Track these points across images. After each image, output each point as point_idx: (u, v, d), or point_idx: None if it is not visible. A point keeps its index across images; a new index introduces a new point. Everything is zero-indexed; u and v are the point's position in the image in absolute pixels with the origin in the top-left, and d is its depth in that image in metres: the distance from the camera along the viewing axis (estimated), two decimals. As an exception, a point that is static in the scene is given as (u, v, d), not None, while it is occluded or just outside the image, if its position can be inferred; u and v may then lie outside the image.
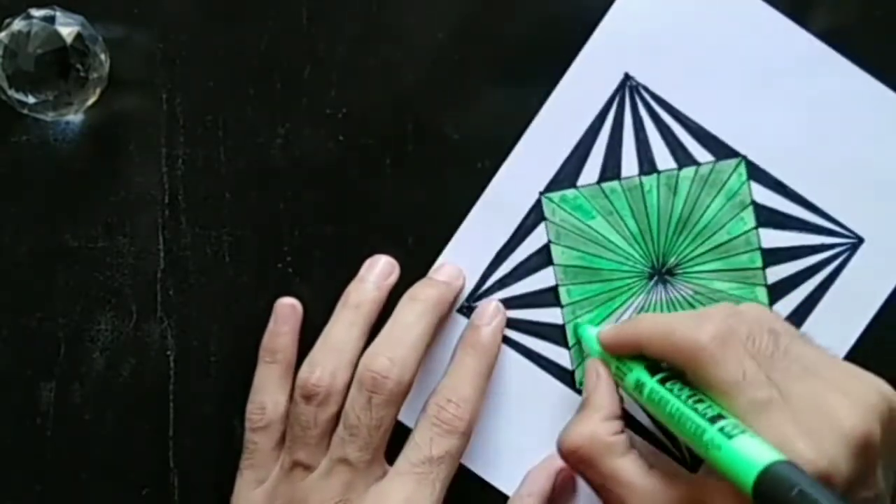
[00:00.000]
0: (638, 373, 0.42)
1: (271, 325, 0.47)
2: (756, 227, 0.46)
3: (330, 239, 0.48)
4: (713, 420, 0.37)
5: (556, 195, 0.47)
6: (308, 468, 0.44)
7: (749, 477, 0.35)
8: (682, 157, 0.47)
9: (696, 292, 0.47)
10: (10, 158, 0.48)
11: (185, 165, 0.48)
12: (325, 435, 0.44)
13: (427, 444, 0.43)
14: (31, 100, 0.46)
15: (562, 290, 0.47)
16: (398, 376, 0.43)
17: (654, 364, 0.42)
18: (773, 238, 0.46)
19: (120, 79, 0.48)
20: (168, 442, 0.49)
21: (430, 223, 0.48)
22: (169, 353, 0.48)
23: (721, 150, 0.46)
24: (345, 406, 0.44)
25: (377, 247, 0.47)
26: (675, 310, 0.47)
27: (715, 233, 0.47)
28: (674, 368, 0.41)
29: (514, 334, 0.47)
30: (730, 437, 0.36)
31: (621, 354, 0.43)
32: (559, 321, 0.47)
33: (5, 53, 0.45)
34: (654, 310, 0.47)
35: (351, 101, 0.47)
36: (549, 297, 0.47)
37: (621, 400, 0.43)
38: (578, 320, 0.47)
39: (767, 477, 0.34)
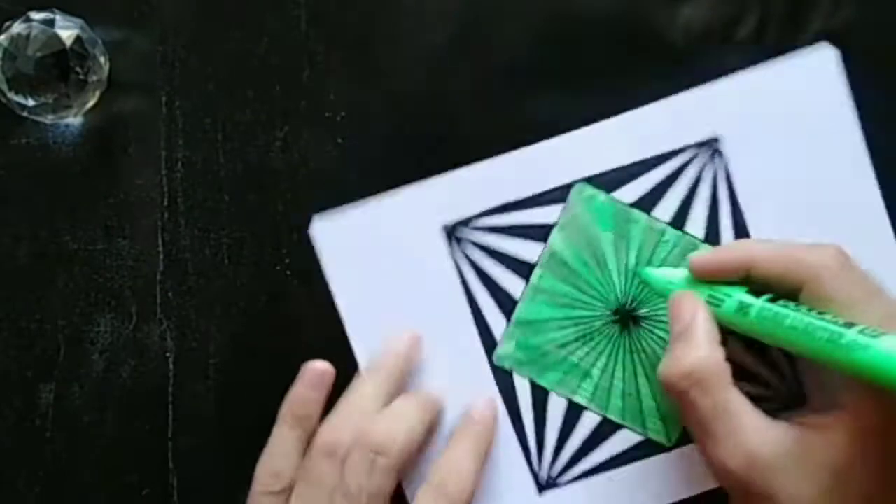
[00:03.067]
0: (740, 296, 0.41)
1: (300, 388, 0.46)
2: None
3: (329, 241, 0.48)
4: (847, 326, 0.37)
5: (589, 189, 0.47)
6: None
7: None
8: (712, 234, 0.47)
9: (651, 350, 0.47)
10: (10, 161, 0.49)
11: (184, 168, 0.48)
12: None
13: None
14: (30, 102, 0.46)
15: (536, 272, 0.47)
16: (402, 445, 0.43)
17: (756, 289, 0.41)
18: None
19: (119, 82, 0.48)
20: (167, 443, 0.49)
21: (429, 225, 0.48)
22: (168, 354, 0.49)
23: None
24: (345, 470, 0.43)
25: (376, 249, 0.48)
26: (629, 354, 0.47)
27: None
28: (781, 292, 0.40)
29: (469, 268, 0.47)
30: (874, 336, 0.35)
31: (721, 278, 0.42)
32: (517, 293, 0.47)
33: (5, 56, 0.45)
34: (608, 347, 0.47)
35: (349, 104, 0.48)
36: (523, 268, 0.47)
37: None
38: (640, 267, 0.46)
39: None
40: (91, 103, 0.47)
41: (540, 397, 0.47)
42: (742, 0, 0.46)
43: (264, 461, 0.45)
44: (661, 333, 0.47)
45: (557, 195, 0.47)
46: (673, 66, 0.47)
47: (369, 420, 0.44)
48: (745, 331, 0.41)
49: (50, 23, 0.46)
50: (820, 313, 0.38)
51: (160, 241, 0.48)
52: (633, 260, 0.47)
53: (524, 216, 0.47)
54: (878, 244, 0.46)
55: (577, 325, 0.47)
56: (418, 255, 0.47)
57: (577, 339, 0.47)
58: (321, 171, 0.48)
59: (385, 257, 0.47)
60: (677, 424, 0.47)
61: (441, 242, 0.47)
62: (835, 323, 0.37)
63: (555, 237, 0.47)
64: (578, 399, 0.47)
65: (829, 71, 0.46)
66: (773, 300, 0.40)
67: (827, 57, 0.46)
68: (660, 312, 0.47)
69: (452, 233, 0.47)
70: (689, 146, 0.46)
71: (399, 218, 0.47)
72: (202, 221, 0.48)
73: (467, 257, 0.47)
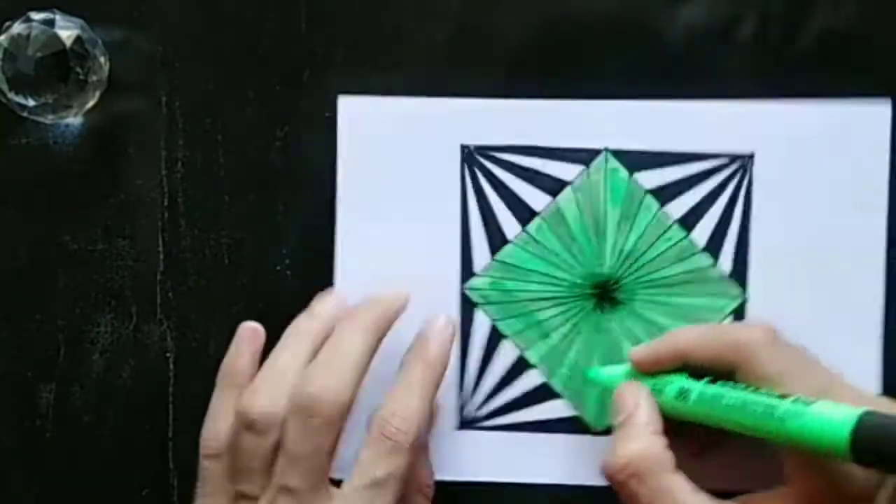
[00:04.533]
0: (680, 381, 0.42)
1: (232, 348, 0.46)
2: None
3: (329, 241, 0.48)
4: (782, 397, 0.38)
5: (614, 161, 0.47)
6: (253, 499, 0.42)
7: (843, 432, 0.35)
8: (713, 247, 0.47)
9: (617, 334, 0.47)
10: (10, 161, 0.49)
11: (184, 168, 0.48)
12: (269, 464, 0.42)
13: (371, 466, 0.42)
14: (30, 103, 0.46)
15: (535, 221, 0.47)
16: (334, 397, 0.41)
17: (695, 374, 0.42)
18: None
19: (119, 82, 0.48)
20: (168, 443, 0.49)
21: (429, 225, 0.48)
22: (168, 354, 0.49)
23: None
24: (283, 432, 0.42)
25: (376, 249, 0.47)
26: (594, 331, 0.47)
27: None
28: (719, 374, 0.41)
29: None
30: (807, 404, 0.36)
31: (658, 370, 0.43)
32: (510, 234, 0.47)
33: (5, 56, 0.45)
34: (576, 317, 0.47)
35: (349, 104, 0.48)
36: (524, 213, 0.47)
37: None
38: (585, 367, 0.47)
39: (864, 426, 0.34)
40: (91, 103, 0.47)
41: (493, 341, 0.47)
42: (742, 0, 0.46)
43: (205, 425, 0.45)
44: (632, 325, 0.47)
45: (582, 157, 0.47)
46: (673, 67, 0.47)
47: (299, 378, 0.43)
48: (686, 416, 0.42)
49: (50, 23, 0.46)
50: (754, 389, 0.39)
51: (160, 241, 0.48)
52: (630, 243, 0.47)
53: (543, 164, 0.47)
54: (868, 300, 0.46)
55: (555, 285, 0.47)
56: (430, 165, 0.47)
57: (550, 299, 0.47)
58: (321, 171, 0.48)
59: (398, 158, 0.47)
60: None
61: (455, 160, 0.47)
62: (769, 395, 0.38)
63: (565, 196, 0.47)
64: (529, 355, 0.47)
65: (879, 124, 0.46)
66: (712, 381, 0.41)
67: (882, 111, 0.46)
68: (637, 304, 0.47)
69: (469, 155, 0.47)
70: (723, 154, 0.46)
71: (422, 124, 0.47)
72: (202, 221, 0.48)
73: (475, 183, 0.47)
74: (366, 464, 0.42)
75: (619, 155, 0.47)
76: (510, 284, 0.47)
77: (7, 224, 0.49)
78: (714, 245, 0.47)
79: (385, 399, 0.43)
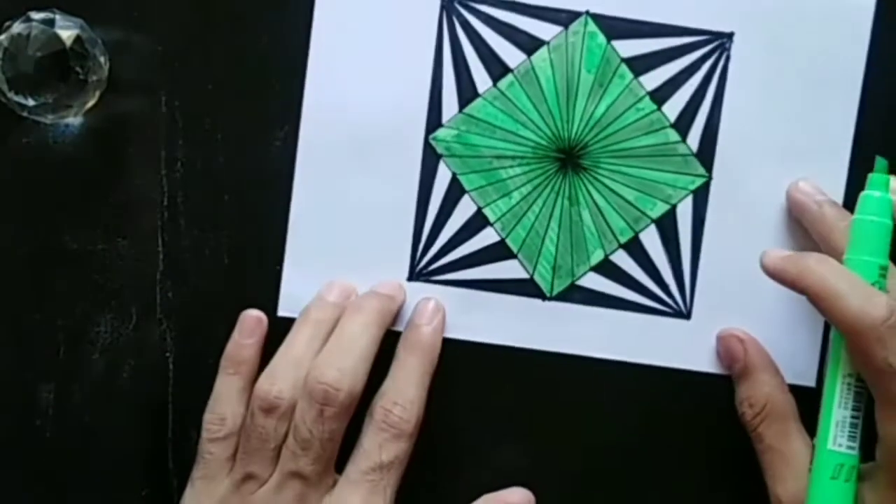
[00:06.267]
0: None
1: (236, 335, 0.47)
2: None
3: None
4: None
5: (593, 25, 0.46)
6: (260, 481, 0.44)
7: None
8: (682, 124, 0.47)
9: (577, 200, 0.47)
10: (10, 161, 0.48)
11: (184, 168, 0.48)
12: (280, 448, 0.44)
13: (377, 451, 0.44)
14: (30, 102, 0.46)
15: (508, 77, 0.47)
16: (349, 387, 0.43)
17: None
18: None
19: (119, 81, 0.48)
20: (167, 444, 0.49)
21: (429, 225, 0.48)
22: (168, 354, 0.49)
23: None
24: (294, 419, 0.44)
25: (376, 249, 0.47)
26: (554, 194, 0.47)
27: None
28: None
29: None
30: None
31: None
32: (481, 88, 0.47)
33: (5, 56, 0.45)
34: (539, 179, 0.47)
35: (349, 104, 0.48)
36: (496, 68, 0.47)
37: None
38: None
39: None
40: (91, 103, 0.47)
41: (453, 195, 0.47)
42: (742, 0, 0.47)
43: (208, 409, 0.46)
44: (594, 193, 0.47)
45: (562, 17, 0.47)
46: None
47: (311, 366, 0.44)
48: None
49: (50, 23, 0.46)
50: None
51: (160, 241, 0.48)
52: (601, 110, 0.47)
53: (522, 21, 0.47)
54: (832, 191, 0.46)
55: (521, 144, 0.47)
56: (408, 14, 0.47)
57: (513, 157, 0.47)
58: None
59: (378, 6, 0.47)
60: (565, 280, 0.47)
61: (434, 10, 0.47)
62: None
63: (540, 55, 0.47)
64: (488, 213, 0.47)
65: (861, 19, 0.46)
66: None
67: (867, 6, 0.46)
68: (601, 173, 0.47)
69: (449, 3, 0.47)
70: (704, 31, 0.46)
71: None
72: (202, 221, 0.48)
73: (451, 33, 0.47)
74: (370, 450, 0.44)
75: (599, 20, 0.47)
76: (475, 139, 0.47)
77: (7, 224, 0.49)
78: (684, 122, 0.47)
79: (384, 388, 0.45)
